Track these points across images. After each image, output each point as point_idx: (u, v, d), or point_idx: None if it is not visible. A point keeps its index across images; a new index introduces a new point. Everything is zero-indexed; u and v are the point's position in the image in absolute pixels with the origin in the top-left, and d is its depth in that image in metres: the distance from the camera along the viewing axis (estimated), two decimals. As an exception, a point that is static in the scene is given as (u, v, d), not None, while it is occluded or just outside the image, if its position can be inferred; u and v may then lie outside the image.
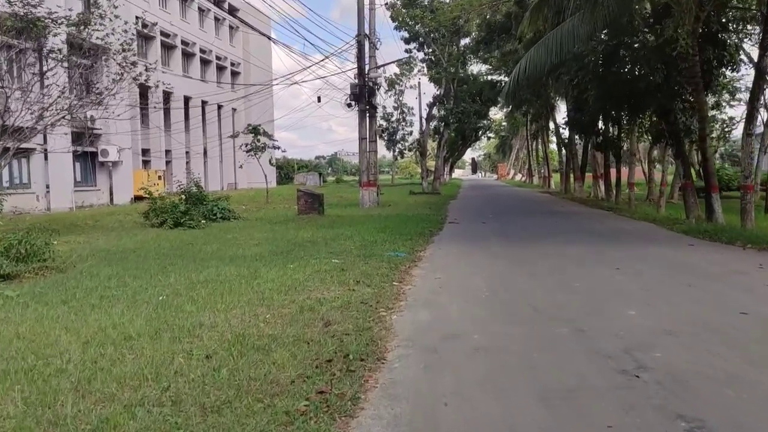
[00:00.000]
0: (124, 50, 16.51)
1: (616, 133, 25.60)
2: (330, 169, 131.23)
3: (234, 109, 53.03)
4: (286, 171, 78.31)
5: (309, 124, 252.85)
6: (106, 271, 9.81)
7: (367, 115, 26.38)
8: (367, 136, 25.20)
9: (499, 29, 21.84)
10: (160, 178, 33.57)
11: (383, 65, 26.59)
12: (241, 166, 36.94)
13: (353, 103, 24.78)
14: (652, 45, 16.50)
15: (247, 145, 28.45)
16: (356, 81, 24.83)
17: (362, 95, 24.42)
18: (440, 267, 9.58)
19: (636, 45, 17.27)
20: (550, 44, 16.02)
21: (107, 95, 16.34)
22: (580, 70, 18.99)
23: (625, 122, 22.79)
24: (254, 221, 19.28)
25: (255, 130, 28.21)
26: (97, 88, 16.99)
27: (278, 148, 28.70)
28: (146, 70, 17.55)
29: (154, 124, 41.00)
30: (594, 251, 10.99)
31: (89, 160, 29.76)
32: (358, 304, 6.81)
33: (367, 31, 25.31)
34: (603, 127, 25.79)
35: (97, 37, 16.42)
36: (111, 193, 30.31)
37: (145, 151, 40.91)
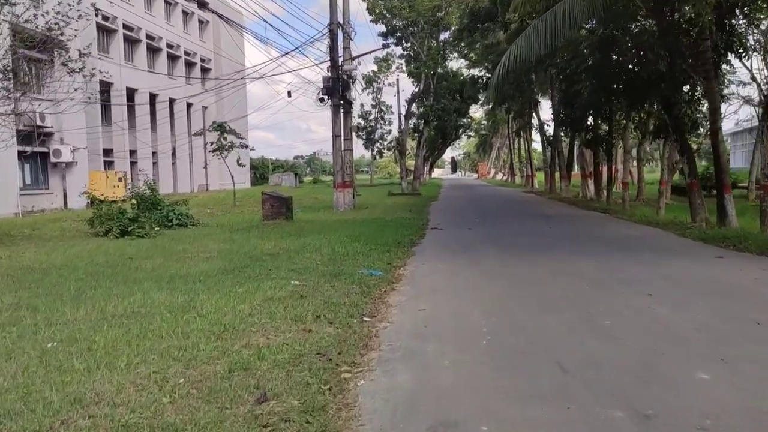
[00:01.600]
0: (50, 29, 14.24)
1: (607, 128, 24.00)
2: (309, 169, 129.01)
3: (205, 107, 50.72)
4: (261, 171, 76.03)
5: (288, 124, 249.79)
6: (8, 299, 7.85)
7: (342, 110, 24.47)
8: (342, 134, 23.29)
9: (484, 16, 20.12)
10: (120, 180, 31.27)
11: (358, 56, 24.69)
12: (205, 167, 34.73)
13: (326, 97, 22.84)
14: (654, 30, 14.81)
15: (212, 143, 26.30)
16: (329, 74, 22.90)
17: (336, 89, 22.50)
18: (424, 291, 7.71)
19: (637, 30, 15.60)
20: (543, 28, 14.24)
21: (40, 84, 14.15)
22: (574, 58, 17.31)
23: (619, 117, 21.19)
24: (214, 228, 17.27)
25: (221, 128, 26.09)
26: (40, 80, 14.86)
27: (246, 146, 26.59)
28: (80, 56, 15.31)
29: (117, 123, 38.68)
30: (609, 267, 9.19)
31: (40, 161, 27.38)
32: (312, 356, 4.92)
33: (340, 20, 23.39)
34: (593, 123, 24.19)
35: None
36: (65, 197, 27.96)
37: (108, 152, 38.51)
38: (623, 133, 22.53)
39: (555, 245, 11.89)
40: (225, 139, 26.20)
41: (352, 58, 23.64)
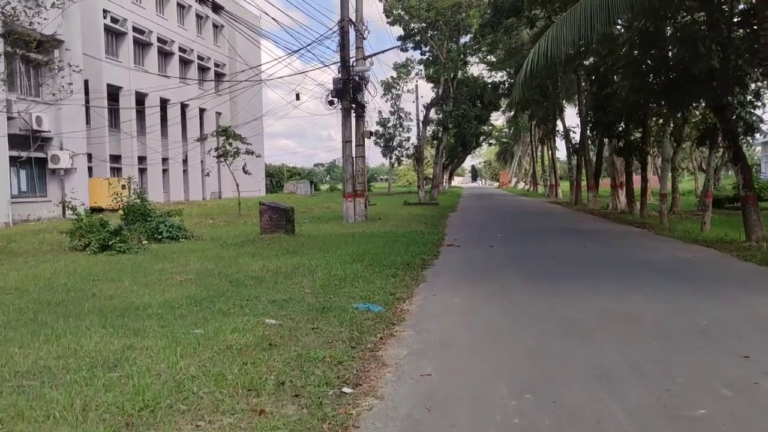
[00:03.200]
0: (12, 17, 12.52)
1: (640, 134, 21.99)
2: (328, 176, 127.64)
3: (218, 113, 49.50)
4: (278, 179, 74.82)
5: (309, 132, 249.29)
6: None
7: (354, 114, 22.80)
8: (354, 139, 21.58)
9: (508, 10, 18.35)
10: (124, 187, 29.83)
11: (371, 55, 23.03)
12: (207, 174, 33.20)
13: (336, 100, 21.17)
14: (703, 20, 12.89)
15: (216, 149, 24.74)
16: (339, 75, 21.25)
17: (346, 91, 20.82)
18: (432, 342, 5.86)
19: (684, 22, 13.67)
20: (577, 20, 12.39)
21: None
22: (608, 55, 15.42)
23: (656, 121, 19.19)
24: (207, 242, 15.63)
25: (225, 133, 24.54)
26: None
27: (253, 153, 24.98)
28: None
29: (126, 129, 37.48)
30: (674, 306, 7.22)
31: (37, 167, 26.07)
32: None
33: (352, 17, 21.73)
34: (623, 128, 22.17)
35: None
36: (63, 205, 26.58)
37: (116, 158, 37.31)
38: (661, 140, 20.51)
39: (597, 272, 9.91)
40: (230, 144, 24.62)
41: (365, 58, 21.98)
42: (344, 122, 21.13)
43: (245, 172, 25.12)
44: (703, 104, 14.70)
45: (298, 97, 20.69)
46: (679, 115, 16.92)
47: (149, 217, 16.36)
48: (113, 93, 36.64)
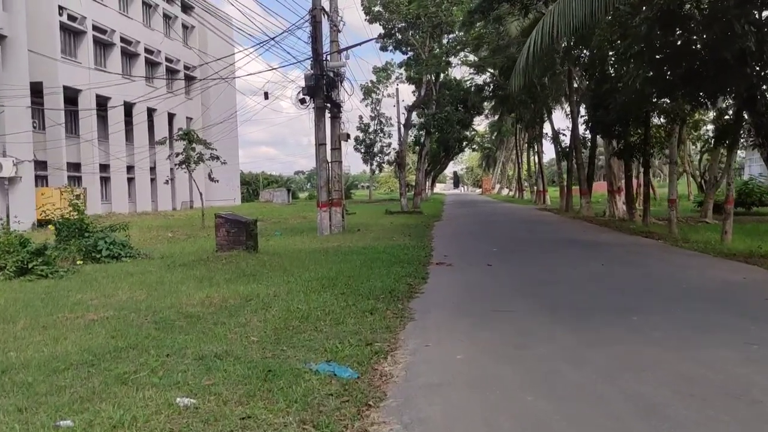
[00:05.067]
0: None
1: (641, 134, 20.04)
2: (309, 184, 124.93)
3: (189, 118, 46.91)
4: (255, 187, 72.13)
5: (290, 140, 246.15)
6: None
7: (329, 114, 20.60)
8: (328, 142, 19.37)
9: (499, -8, 16.39)
10: (78, 197, 27.21)
11: (347, 48, 20.79)
12: (166, 182, 30.66)
13: (308, 98, 18.94)
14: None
15: (177, 154, 22.31)
16: (312, 71, 19.04)
17: (319, 88, 18.60)
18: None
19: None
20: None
21: None
22: (621, 39, 13.42)
23: (668, 118, 17.22)
24: (155, 261, 13.29)
25: (187, 136, 22.13)
26: None
27: (218, 158, 22.59)
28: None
29: (86, 134, 34.84)
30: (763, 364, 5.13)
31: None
32: None
33: (327, 7, 19.56)
34: (622, 129, 20.18)
35: None
36: (8, 218, 23.98)
37: (76, 166, 34.66)
38: (666, 140, 18.58)
39: (639, 305, 7.53)
40: (193, 149, 22.21)
41: (340, 51, 19.77)
42: (317, 123, 18.90)
43: (212, 179, 22.73)
44: (731, 95, 12.66)
45: (266, 96, 18.60)
46: (700, 107, 14.96)
47: (87, 233, 13.99)
48: (72, 96, 34.03)
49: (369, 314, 7.12)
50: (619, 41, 14.08)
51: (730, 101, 14.66)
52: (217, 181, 22.69)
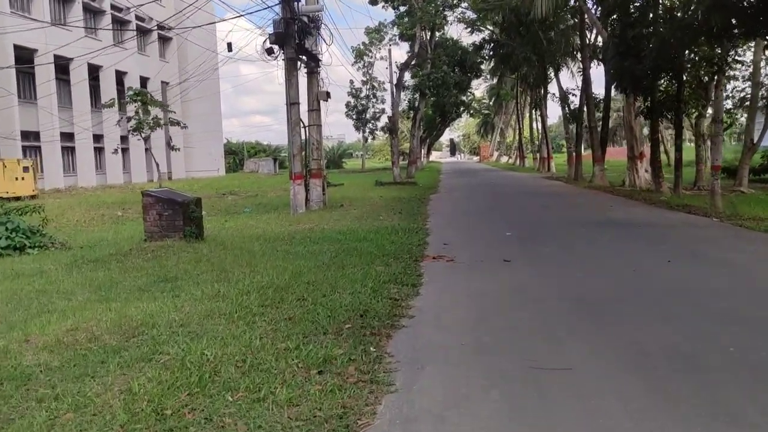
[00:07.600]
0: None
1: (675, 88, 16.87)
2: (304, 153, 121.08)
3: (165, 83, 43.35)
4: (241, 157, 68.58)
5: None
6: None
7: (305, 69, 17.36)
8: (300, 101, 16.16)
9: None
10: (26, 170, 24.03)
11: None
12: (115, 151, 27.24)
13: (276, 47, 15.67)
14: None
15: (129, 119, 19.00)
16: (280, 15, 15.72)
17: (289, 35, 15.31)
18: None
19: None
20: None
21: None
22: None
23: (709, 66, 14.09)
24: (69, 253, 10.23)
25: (140, 96, 18.79)
26: None
27: (179, 123, 19.31)
28: None
29: (44, 101, 31.41)
30: None
31: None
32: None
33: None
34: (652, 81, 16.97)
35: None
36: (-62, 195, 20.82)
37: (30, 134, 31.30)
38: (715, 93, 15.39)
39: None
40: (148, 112, 18.90)
41: (315, -9, 16.39)
42: (288, 77, 15.63)
43: (172, 148, 19.59)
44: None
45: (230, 47, 15.60)
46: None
47: (-17, 217, 10.89)
48: (25, 57, 30.49)
49: (317, 373, 4.08)
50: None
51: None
52: (178, 149, 19.54)
